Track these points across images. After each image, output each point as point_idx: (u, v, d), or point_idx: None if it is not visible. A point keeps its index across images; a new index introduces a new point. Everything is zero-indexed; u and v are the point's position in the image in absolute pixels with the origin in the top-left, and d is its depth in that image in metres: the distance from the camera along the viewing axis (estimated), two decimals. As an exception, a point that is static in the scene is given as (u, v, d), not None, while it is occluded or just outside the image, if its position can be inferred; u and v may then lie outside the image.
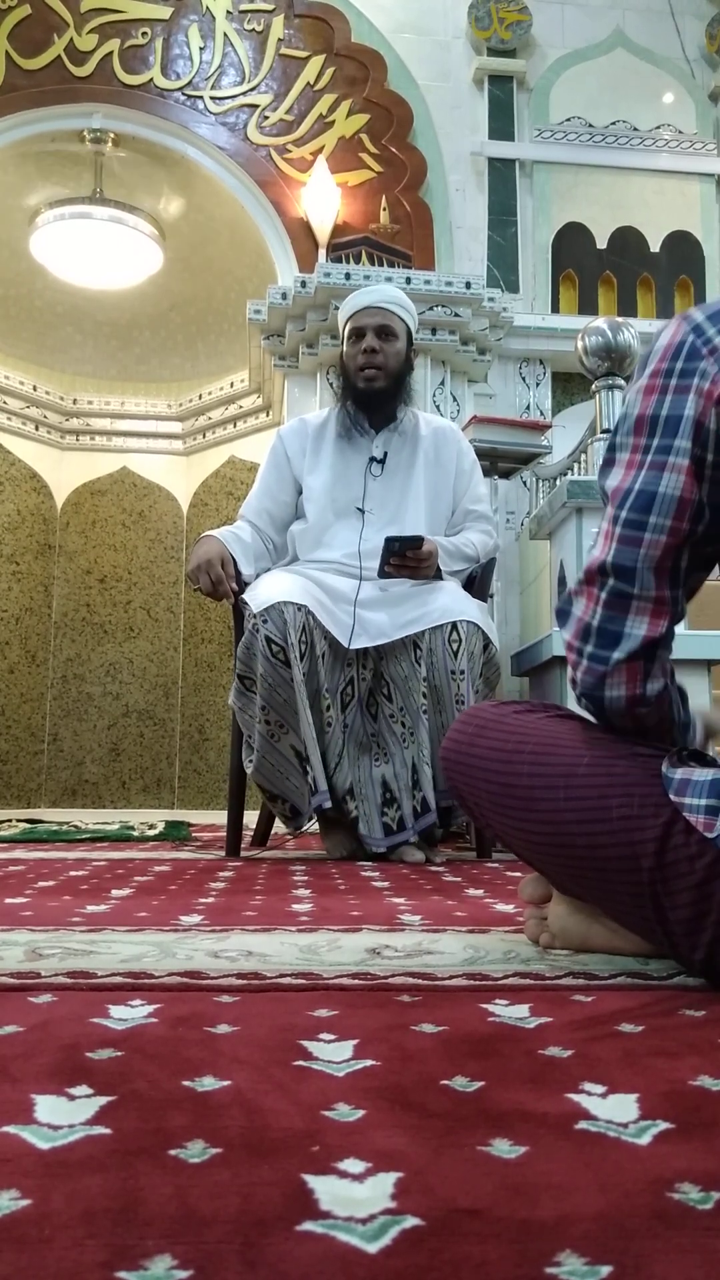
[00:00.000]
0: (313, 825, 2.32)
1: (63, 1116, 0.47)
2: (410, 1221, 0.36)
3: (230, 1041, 0.61)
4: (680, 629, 1.00)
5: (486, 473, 3.19)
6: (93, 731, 5.57)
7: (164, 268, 5.06)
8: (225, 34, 4.53)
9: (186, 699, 5.63)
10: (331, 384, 4.04)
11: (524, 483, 3.96)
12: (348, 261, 4.00)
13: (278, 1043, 0.61)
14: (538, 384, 4.37)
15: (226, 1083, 0.53)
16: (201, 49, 4.51)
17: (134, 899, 1.35)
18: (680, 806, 0.80)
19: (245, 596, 2.24)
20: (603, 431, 2.93)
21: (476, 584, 2.44)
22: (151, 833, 3.02)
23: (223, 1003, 0.71)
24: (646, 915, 0.85)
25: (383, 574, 2.27)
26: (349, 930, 1.07)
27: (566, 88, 4.66)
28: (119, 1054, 0.58)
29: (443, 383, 4.03)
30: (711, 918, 0.79)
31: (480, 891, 1.52)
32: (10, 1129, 0.46)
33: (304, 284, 3.94)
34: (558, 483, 3.31)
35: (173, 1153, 0.43)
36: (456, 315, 3.88)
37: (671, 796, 0.81)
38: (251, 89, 4.50)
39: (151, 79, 4.47)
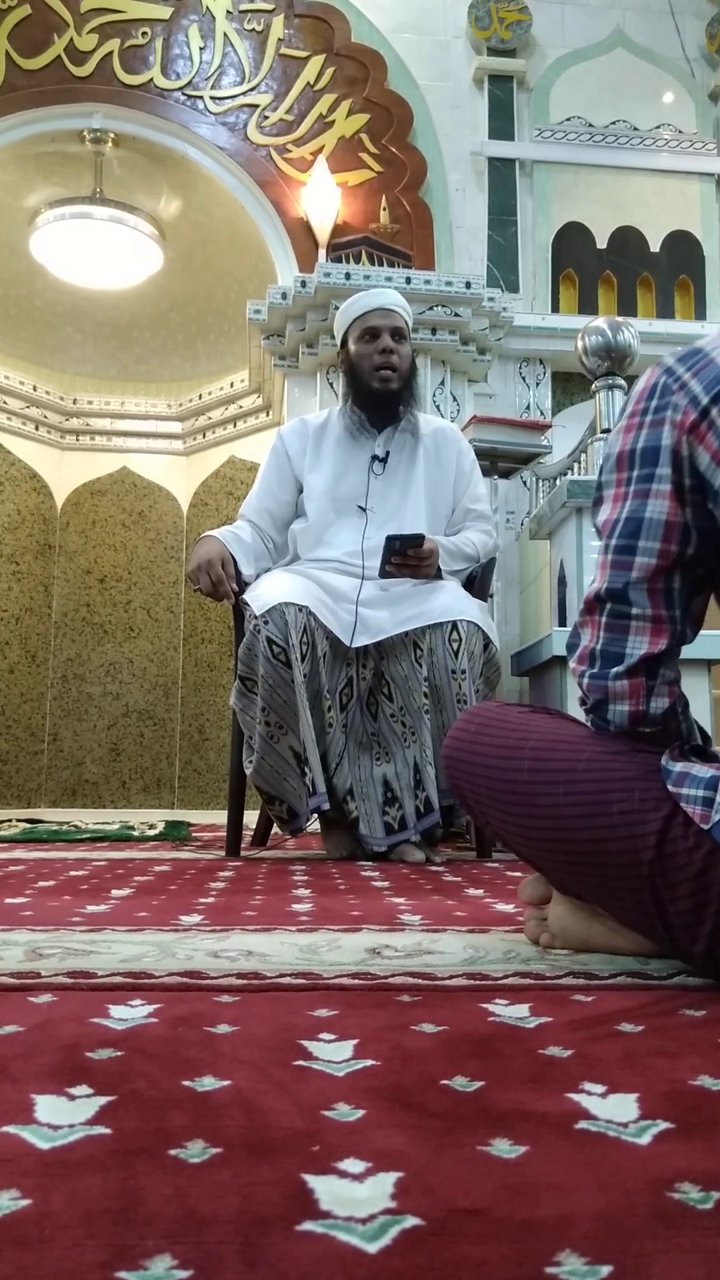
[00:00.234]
0: (313, 825, 2.32)
1: (63, 1116, 0.47)
2: (410, 1221, 0.36)
3: (230, 1041, 0.61)
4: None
5: (486, 472, 3.19)
6: (93, 731, 5.57)
7: (164, 268, 5.06)
8: (225, 34, 4.53)
9: (186, 699, 5.63)
10: (332, 384, 4.04)
11: (524, 482, 3.96)
12: (348, 261, 4.00)
13: (278, 1042, 0.61)
14: (538, 384, 4.37)
15: (226, 1082, 0.53)
16: (201, 49, 4.51)
17: (134, 899, 1.35)
18: (678, 797, 0.81)
19: (246, 597, 2.24)
20: (602, 431, 2.93)
21: (477, 584, 2.45)
22: (151, 833, 3.02)
23: (223, 1003, 0.71)
24: (646, 910, 0.85)
25: (383, 574, 2.27)
26: (349, 930, 1.07)
27: (566, 87, 4.66)
28: (119, 1054, 0.58)
29: (443, 382, 4.03)
30: (711, 909, 0.79)
31: (480, 891, 1.52)
32: (10, 1129, 0.46)
33: (304, 284, 3.94)
34: (558, 482, 3.31)
35: (173, 1153, 0.43)
36: (456, 315, 3.88)
37: (670, 787, 0.82)
38: (251, 89, 4.50)
39: (151, 79, 4.46)
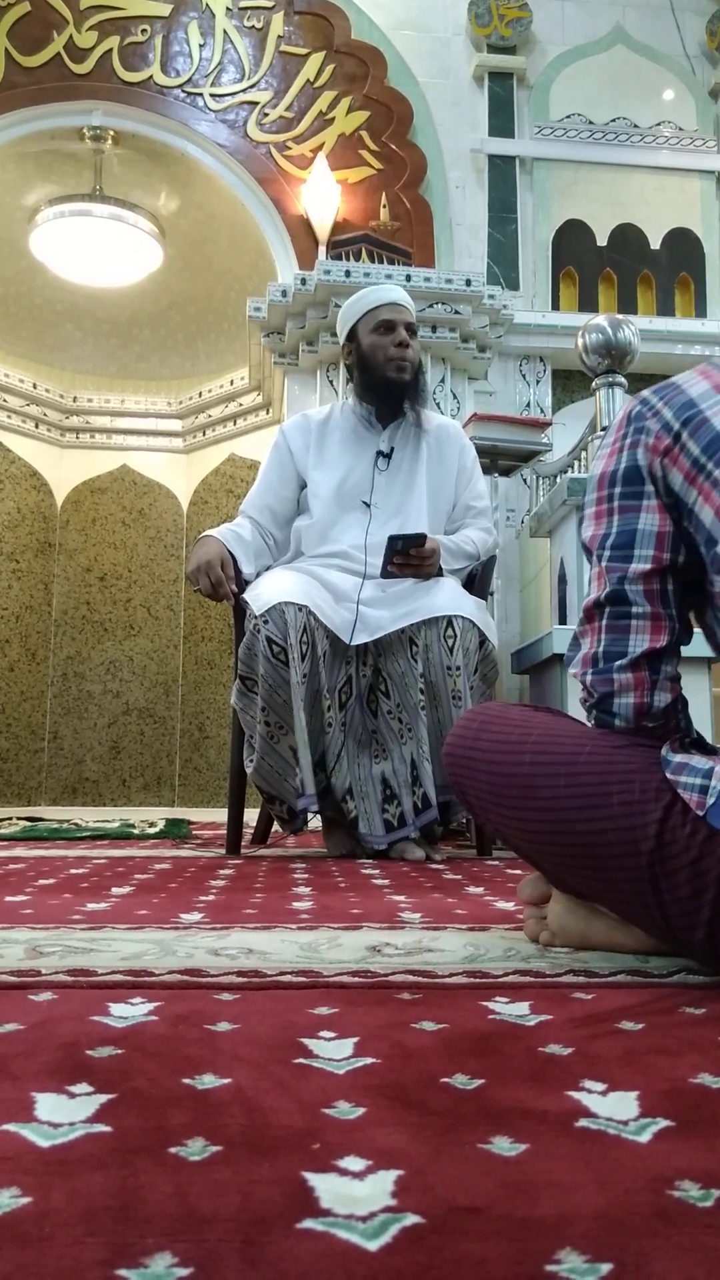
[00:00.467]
0: (314, 823, 2.32)
1: (63, 1114, 0.47)
2: (410, 1219, 0.36)
3: (230, 1039, 0.61)
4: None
5: (486, 470, 3.19)
6: (93, 729, 5.58)
7: (164, 265, 5.06)
8: (225, 31, 4.53)
9: (187, 697, 5.64)
10: (332, 382, 4.04)
11: (524, 480, 3.96)
12: (348, 259, 4.00)
13: (278, 1040, 0.61)
14: (538, 381, 4.36)
15: (227, 1080, 0.53)
16: (201, 46, 4.51)
17: (134, 897, 1.35)
18: (676, 784, 0.83)
19: (246, 596, 2.24)
20: (602, 428, 2.93)
21: (477, 582, 2.45)
22: (152, 831, 3.02)
23: (223, 1000, 0.72)
24: (646, 901, 0.85)
25: (385, 573, 2.27)
26: (349, 928, 1.07)
27: (567, 84, 4.65)
28: (119, 1052, 0.58)
29: (443, 380, 4.03)
30: (708, 894, 0.80)
31: (480, 889, 1.52)
32: (10, 1127, 0.46)
33: (304, 281, 3.94)
34: (558, 480, 3.31)
35: (173, 1150, 0.43)
36: (456, 312, 3.88)
37: (668, 775, 0.84)
38: (251, 86, 4.49)
39: (151, 76, 4.46)
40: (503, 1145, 0.44)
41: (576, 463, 3.19)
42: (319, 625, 2.14)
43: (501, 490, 3.69)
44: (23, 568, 5.50)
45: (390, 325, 2.42)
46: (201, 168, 4.55)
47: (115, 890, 1.43)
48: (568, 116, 4.59)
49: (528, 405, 4.32)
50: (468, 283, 3.89)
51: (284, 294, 4.01)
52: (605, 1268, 0.33)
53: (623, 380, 2.89)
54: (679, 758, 0.85)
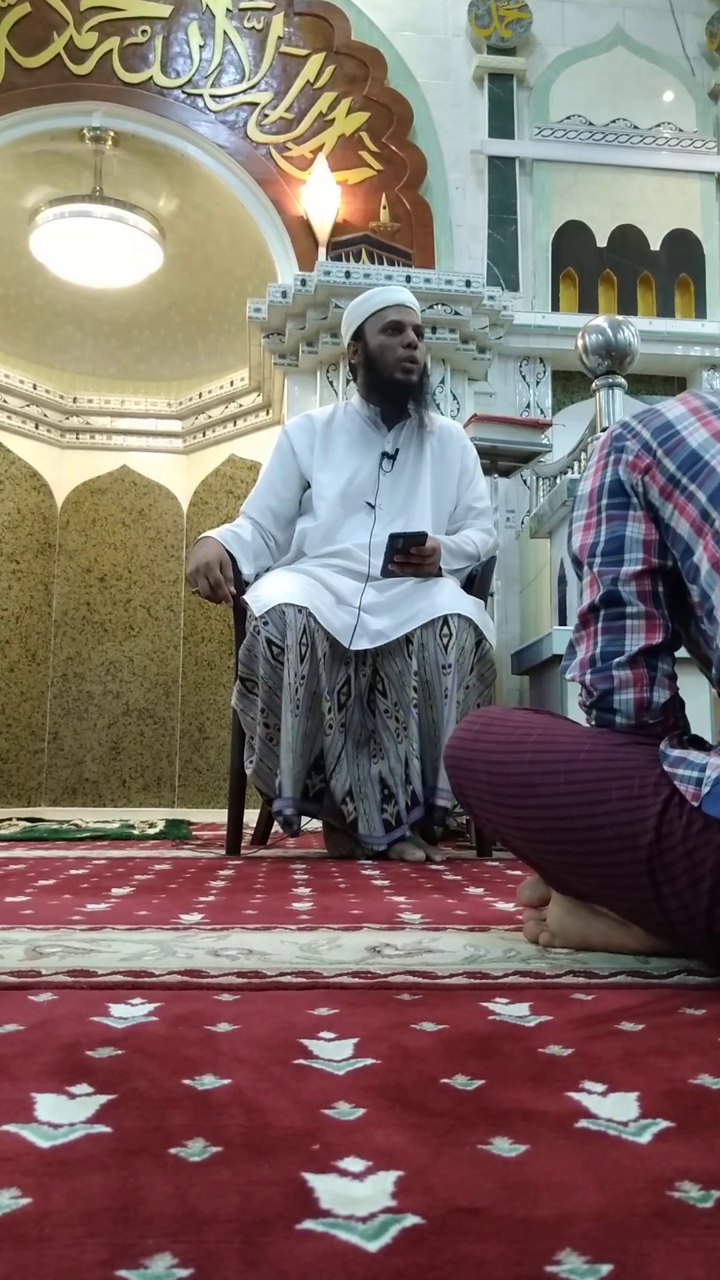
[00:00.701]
0: (315, 823, 2.32)
1: (63, 1115, 0.47)
2: (410, 1220, 0.36)
3: (230, 1040, 0.61)
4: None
5: (486, 471, 3.19)
6: (93, 730, 5.58)
7: (164, 266, 5.06)
8: (225, 32, 4.53)
9: (187, 697, 5.64)
10: (332, 383, 4.04)
11: (524, 481, 3.96)
12: (348, 260, 4.00)
13: (278, 1041, 0.61)
14: (538, 382, 4.36)
15: (227, 1081, 0.53)
16: (201, 47, 4.51)
17: (134, 897, 1.35)
18: (673, 777, 0.84)
19: (247, 598, 2.24)
20: (602, 429, 2.93)
21: (477, 582, 2.45)
22: (152, 831, 3.02)
23: (223, 1001, 0.72)
24: (645, 896, 0.86)
25: (386, 572, 2.27)
26: (349, 929, 1.07)
27: (566, 86, 4.65)
28: (119, 1052, 0.58)
29: (443, 381, 4.03)
30: (705, 885, 0.81)
31: (480, 890, 1.52)
32: (10, 1127, 0.46)
33: (304, 282, 3.94)
34: (558, 481, 3.31)
35: (173, 1151, 0.43)
36: (456, 313, 3.88)
37: (666, 768, 0.85)
38: (251, 87, 4.49)
39: (151, 77, 4.46)
40: (503, 1146, 0.44)
41: (576, 464, 3.19)
42: (319, 627, 2.14)
43: (501, 491, 3.69)
44: (23, 568, 5.50)
45: (399, 326, 2.42)
46: (201, 169, 4.55)
47: (115, 891, 1.43)
48: (568, 118, 4.59)
49: (528, 406, 4.32)
50: (468, 284, 3.89)
51: (284, 295, 4.01)
52: (605, 1268, 0.33)
53: (623, 381, 2.89)
54: (677, 752, 0.87)
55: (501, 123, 4.57)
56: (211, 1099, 0.50)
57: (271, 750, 2.14)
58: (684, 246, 4.54)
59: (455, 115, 4.58)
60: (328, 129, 4.48)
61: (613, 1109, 0.49)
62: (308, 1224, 0.36)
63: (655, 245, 4.53)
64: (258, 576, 2.37)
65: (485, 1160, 0.43)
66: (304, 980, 0.79)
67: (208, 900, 1.33)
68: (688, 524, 0.93)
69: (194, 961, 0.86)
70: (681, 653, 1.00)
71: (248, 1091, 0.51)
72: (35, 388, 5.66)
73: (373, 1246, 0.34)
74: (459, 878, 1.73)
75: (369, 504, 2.38)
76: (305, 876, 1.70)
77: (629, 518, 0.98)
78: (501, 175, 4.52)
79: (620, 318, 2.91)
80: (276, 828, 2.61)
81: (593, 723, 0.99)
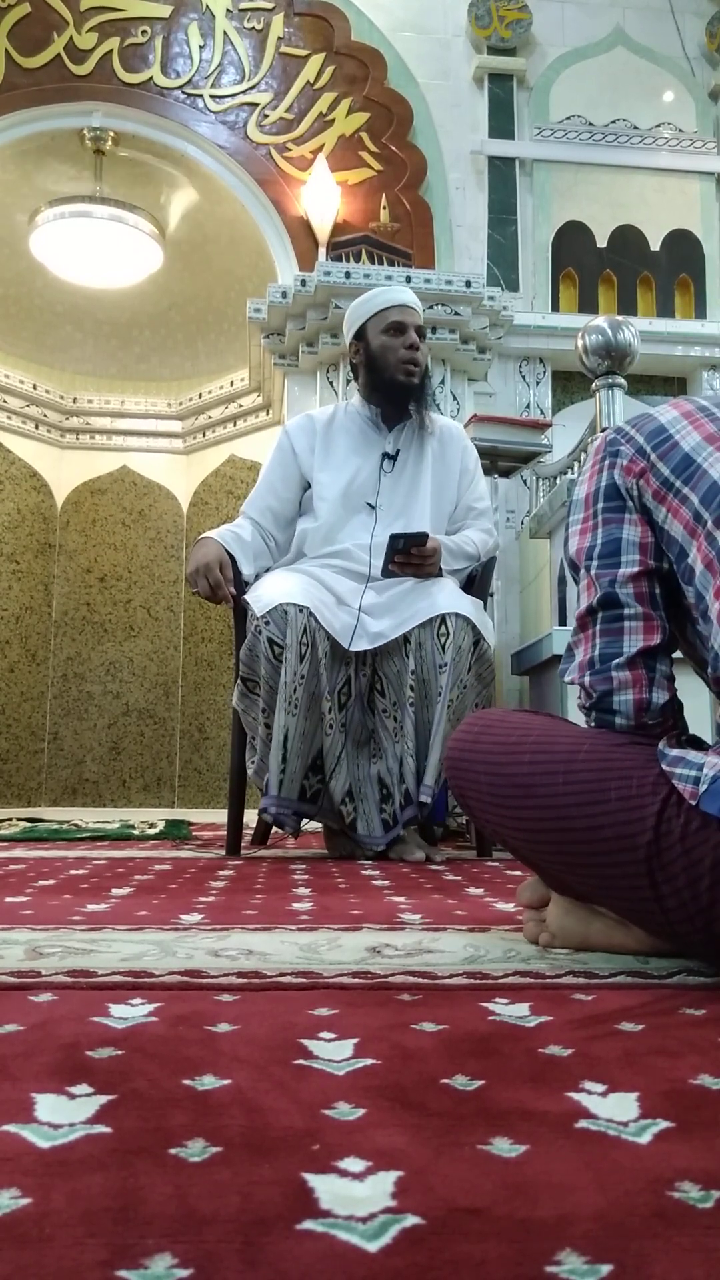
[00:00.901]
0: (315, 824, 2.32)
1: (63, 1115, 0.47)
2: (410, 1220, 0.36)
3: (230, 1040, 0.61)
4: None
5: (487, 471, 3.19)
6: (93, 730, 5.58)
7: (164, 266, 5.06)
8: (225, 32, 4.53)
9: (187, 698, 5.64)
10: (332, 383, 4.04)
11: (524, 481, 3.96)
12: (348, 260, 4.00)
13: (278, 1041, 0.61)
14: (538, 382, 4.36)
15: (227, 1081, 0.53)
16: (201, 47, 4.51)
17: (134, 898, 1.35)
18: (671, 776, 0.85)
19: (248, 597, 2.24)
20: (601, 429, 2.93)
21: (476, 583, 2.45)
22: (152, 831, 3.02)
23: (223, 1001, 0.72)
24: (644, 896, 0.86)
25: (386, 572, 2.27)
26: (349, 929, 1.07)
27: (566, 86, 4.65)
28: (119, 1053, 0.58)
29: (443, 381, 4.03)
30: (704, 883, 0.81)
31: (480, 890, 1.52)
32: (10, 1128, 0.46)
33: (304, 283, 3.94)
34: (558, 481, 3.31)
35: (173, 1151, 0.43)
36: (456, 314, 3.88)
37: (664, 767, 0.86)
38: (251, 87, 4.49)
39: (151, 77, 4.46)
40: (503, 1146, 0.44)
41: (576, 464, 3.19)
42: (319, 627, 2.14)
43: (501, 491, 3.69)
44: (23, 569, 5.50)
45: (401, 327, 2.41)
46: (201, 169, 4.55)
47: (115, 891, 1.43)
48: (568, 118, 4.59)
49: (527, 406, 4.32)
50: (468, 284, 3.89)
51: (284, 295, 4.01)
52: (605, 1269, 0.33)
53: (622, 382, 2.89)
54: (675, 751, 0.87)
55: (501, 123, 4.56)
56: (211, 1099, 0.50)
57: (269, 749, 2.15)
58: (684, 247, 4.54)
59: (455, 115, 4.58)
60: (328, 129, 4.48)
61: (613, 1109, 0.49)
62: (308, 1224, 0.36)
63: (655, 245, 4.53)
64: (258, 577, 2.37)
65: (485, 1160, 0.43)
66: (304, 980, 0.79)
67: (208, 900, 1.33)
68: (681, 526, 0.94)
69: (194, 962, 0.86)
70: (679, 654, 1.00)
71: (248, 1092, 0.52)
72: (35, 388, 5.66)
73: (373, 1247, 0.34)
74: (459, 878, 1.73)
75: (369, 505, 2.38)
76: (305, 877, 1.70)
77: (625, 521, 0.99)
78: (501, 175, 4.52)
79: (620, 318, 2.91)
80: (276, 828, 2.61)
81: (592, 724, 0.99)
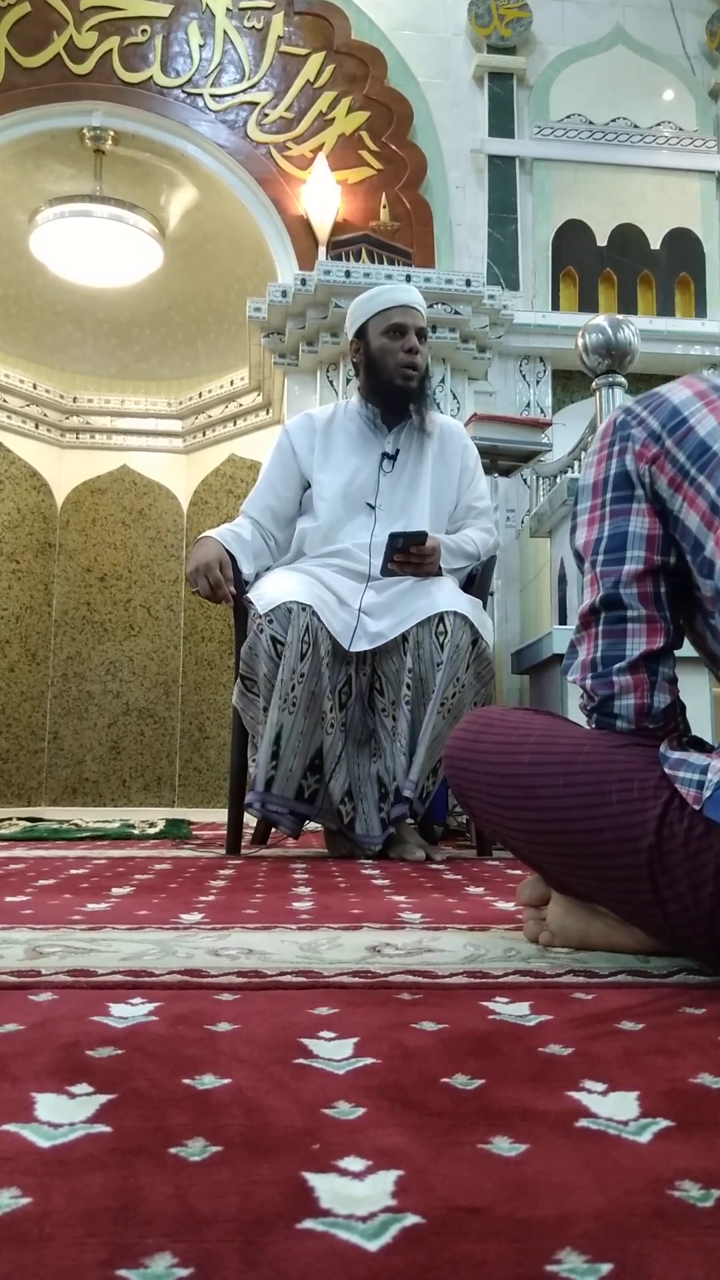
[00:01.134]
0: (315, 824, 2.32)
1: (63, 1115, 0.47)
2: (410, 1219, 0.36)
3: (230, 1040, 0.61)
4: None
5: (487, 470, 3.19)
6: (93, 730, 5.58)
7: (164, 266, 5.06)
8: (225, 31, 4.53)
9: (187, 697, 5.64)
10: (332, 382, 4.04)
11: (524, 480, 3.96)
12: (348, 259, 4.00)
13: (278, 1041, 0.61)
14: (538, 381, 4.36)
15: (227, 1081, 0.53)
16: (201, 46, 4.51)
17: (134, 897, 1.35)
18: (674, 779, 0.84)
19: (250, 595, 2.24)
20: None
21: (476, 582, 2.45)
22: (152, 831, 3.02)
23: (223, 1001, 0.72)
24: (645, 899, 0.86)
25: (385, 571, 2.27)
26: (349, 928, 1.07)
27: (567, 85, 4.65)
28: (119, 1052, 0.58)
29: (443, 380, 4.03)
30: (707, 889, 0.81)
31: (480, 889, 1.52)
32: (10, 1127, 0.46)
33: (304, 282, 3.93)
34: (558, 480, 3.31)
35: (173, 1151, 0.43)
36: (456, 313, 3.88)
37: (666, 770, 0.85)
38: (251, 86, 4.49)
39: (151, 77, 4.46)
40: (503, 1146, 0.44)
41: (576, 463, 3.19)
42: (322, 625, 2.14)
43: (501, 490, 3.69)
44: (23, 568, 5.50)
45: (402, 329, 2.40)
46: (201, 168, 4.55)
47: (115, 891, 1.43)
48: (568, 117, 4.59)
49: (528, 405, 4.32)
50: (468, 283, 3.89)
51: (284, 294, 4.01)
52: (605, 1268, 0.33)
53: (623, 380, 2.89)
54: (677, 754, 0.86)
55: (501, 122, 4.56)
56: (211, 1099, 0.50)
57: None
58: (684, 246, 4.54)
59: (455, 114, 4.58)
60: (328, 128, 4.47)
61: (613, 1108, 0.49)
62: (308, 1224, 0.36)
63: (655, 244, 4.53)
64: (258, 576, 2.37)
65: (485, 1160, 0.43)
66: (304, 980, 0.79)
67: (208, 900, 1.33)
68: (697, 517, 0.90)
69: (194, 961, 0.86)
70: (683, 651, 0.99)
71: (248, 1091, 0.52)
72: (35, 387, 5.66)
73: (373, 1246, 0.34)
74: (459, 877, 1.73)
75: (369, 505, 2.38)
76: (305, 876, 1.70)
77: (632, 511, 0.95)
78: (501, 174, 4.51)
79: (620, 317, 2.91)
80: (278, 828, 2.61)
81: (593, 725, 0.98)
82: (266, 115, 4.47)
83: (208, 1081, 0.53)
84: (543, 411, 4.27)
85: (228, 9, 4.54)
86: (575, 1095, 0.51)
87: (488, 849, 2.35)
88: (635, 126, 4.61)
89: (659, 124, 4.63)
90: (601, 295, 4.48)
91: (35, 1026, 0.64)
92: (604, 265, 4.50)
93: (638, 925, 0.91)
